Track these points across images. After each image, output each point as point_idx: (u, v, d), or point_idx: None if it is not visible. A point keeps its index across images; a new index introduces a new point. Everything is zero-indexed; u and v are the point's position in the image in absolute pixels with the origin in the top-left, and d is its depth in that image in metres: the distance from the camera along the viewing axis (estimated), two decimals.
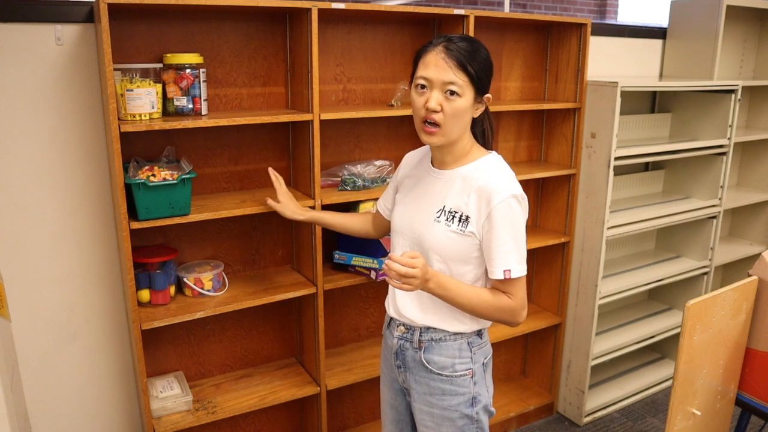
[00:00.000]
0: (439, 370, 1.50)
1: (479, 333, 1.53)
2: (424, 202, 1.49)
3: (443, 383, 1.50)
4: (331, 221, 1.83)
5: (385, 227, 1.76)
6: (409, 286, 1.32)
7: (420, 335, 1.51)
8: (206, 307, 1.91)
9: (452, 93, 1.34)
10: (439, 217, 1.43)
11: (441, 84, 1.34)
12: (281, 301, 2.10)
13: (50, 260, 1.93)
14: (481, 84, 1.37)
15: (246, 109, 2.08)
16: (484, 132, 1.51)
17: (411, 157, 1.63)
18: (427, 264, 1.36)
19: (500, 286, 1.42)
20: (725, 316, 1.74)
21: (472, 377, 1.50)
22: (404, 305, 1.53)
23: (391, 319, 1.60)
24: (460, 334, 1.49)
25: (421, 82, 1.37)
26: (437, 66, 1.34)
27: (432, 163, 1.52)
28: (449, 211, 1.42)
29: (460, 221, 1.41)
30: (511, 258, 1.38)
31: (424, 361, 1.51)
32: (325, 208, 2.02)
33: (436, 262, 1.44)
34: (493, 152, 1.49)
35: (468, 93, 1.35)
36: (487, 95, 1.41)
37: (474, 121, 1.46)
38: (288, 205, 1.85)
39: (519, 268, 1.39)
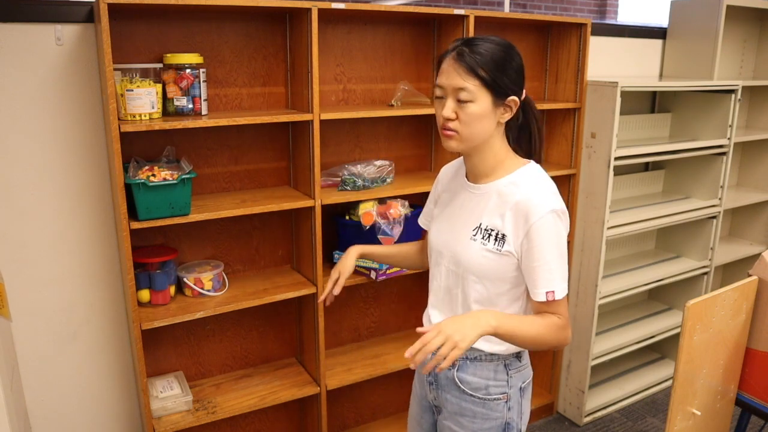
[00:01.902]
0: (473, 391, 1.43)
1: (518, 355, 1.44)
2: (460, 219, 1.41)
3: (475, 405, 1.43)
4: (384, 252, 1.70)
5: None
6: (450, 344, 1.16)
7: None
8: (206, 307, 1.91)
9: (464, 100, 1.28)
10: (475, 236, 1.36)
11: (453, 91, 1.28)
12: (281, 301, 2.10)
13: (50, 260, 1.93)
14: (497, 87, 1.27)
15: (246, 109, 2.08)
16: (530, 138, 1.42)
17: (447, 170, 1.56)
18: (453, 321, 1.21)
19: (543, 307, 1.32)
20: (725, 316, 1.74)
21: (506, 402, 1.43)
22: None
23: None
24: (497, 354, 1.41)
25: (438, 92, 1.33)
26: (449, 73, 1.29)
27: (467, 177, 1.43)
28: (485, 229, 1.35)
29: (496, 240, 1.33)
30: (553, 278, 1.29)
31: (457, 380, 1.44)
32: (325, 207, 2.03)
33: (473, 282, 1.37)
34: (532, 162, 1.39)
35: (482, 98, 1.27)
36: (511, 98, 1.30)
37: (519, 127, 1.40)
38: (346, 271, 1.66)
39: (561, 288, 1.31)
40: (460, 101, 1.28)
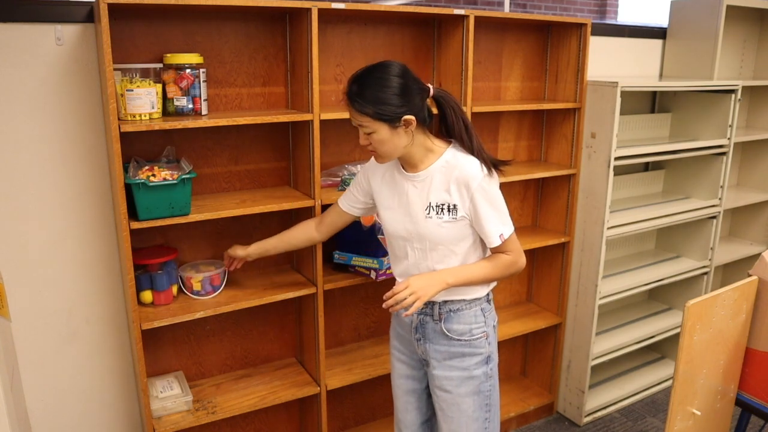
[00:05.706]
0: (459, 336, 1.70)
1: (488, 300, 1.75)
2: (411, 204, 1.66)
3: (463, 347, 1.70)
4: (274, 245, 1.95)
5: (339, 225, 1.90)
6: (414, 297, 1.55)
7: (440, 308, 1.70)
8: (206, 307, 1.91)
9: (367, 132, 1.54)
10: (429, 214, 1.62)
11: (358, 126, 1.56)
12: (281, 301, 2.10)
13: (50, 260, 1.93)
14: (386, 117, 1.50)
15: (246, 109, 2.08)
16: (451, 124, 1.64)
17: (375, 169, 1.76)
18: (419, 278, 1.59)
19: (498, 248, 1.65)
20: (725, 316, 1.74)
21: (486, 338, 1.72)
22: None
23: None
24: (476, 299, 1.70)
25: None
26: (350, 113, 1.56)
27: (404, 168, 1.68)
28: (436, 206, 1.62)
29: (449, 211, 1.61)
30: (499, 224, 1.61)
31: (444, 330, 1.70)
32: (325, 207, 2.03)
33: (441, 248, 1.64)
34: (453, 143, 1.65)
35: (378, 126, 1.52)
36: (405, 117, 1.52)
37: (441, 119, 1.65)
38: (237, 253, 1.98)
39: (507, 229, 1.63)
40: (366, 133, 1.55)
